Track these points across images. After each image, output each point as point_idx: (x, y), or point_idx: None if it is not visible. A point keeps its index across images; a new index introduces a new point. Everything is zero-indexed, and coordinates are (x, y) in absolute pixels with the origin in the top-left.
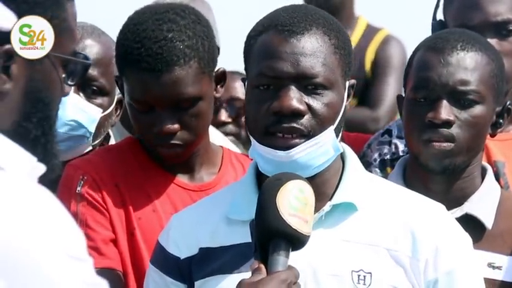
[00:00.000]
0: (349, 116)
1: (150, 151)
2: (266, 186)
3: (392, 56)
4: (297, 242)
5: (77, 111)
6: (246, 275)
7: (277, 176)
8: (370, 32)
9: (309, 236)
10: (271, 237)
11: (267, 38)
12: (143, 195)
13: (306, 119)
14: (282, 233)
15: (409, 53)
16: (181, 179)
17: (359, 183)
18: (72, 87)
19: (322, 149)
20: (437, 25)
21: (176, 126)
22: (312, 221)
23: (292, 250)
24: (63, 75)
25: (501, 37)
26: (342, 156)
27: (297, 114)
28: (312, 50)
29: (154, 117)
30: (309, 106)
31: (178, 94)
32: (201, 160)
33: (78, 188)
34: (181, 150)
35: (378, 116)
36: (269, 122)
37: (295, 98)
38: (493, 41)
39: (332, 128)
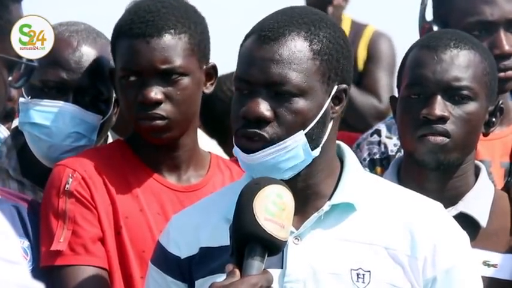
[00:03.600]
0: (355, 99)
1: (139, 152)
2: (244, 190)
3: (383, 51)
4: (272, 247)
5: (77, 123)
6: None
7: (256, 180)
8: (357, 29)
9: (285, 242)
10: (247, 241)
11: (248, 43)
12: (131, 194)
13: (271, 126)
14: (257, 238)
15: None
16: (169, 179)
17: (358, 183)
18: (71, 97)
19: (290, 153)
20: (439, 23)
21: (160, 96)
22: (289, 227)
23: (268, 255)
24: (9, 78)
25: None
26: (341, 156)
27: (262, 121)
28: (283, 56)
29: (140, 88)
30: (276, 113)
31: (166, 61)
32: (189, 161)
33: (67, 186)
34: (162, 123)
35: (383, 110)
36: (239, 125)
37: (261, 105)
38: (508, 36)
39: (302, 132)
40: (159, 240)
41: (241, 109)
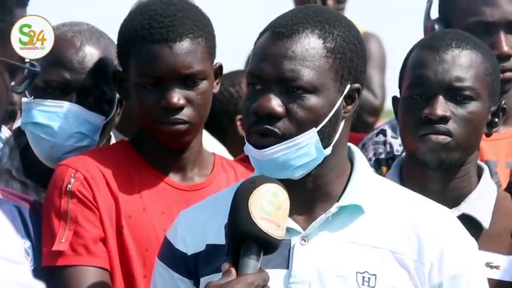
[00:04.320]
0: None
1: (143, 152)
2: (240, 188)
3: (373, 50)
4: (268, 245)
5: (80, 123)
6: None
7: (251, 179)
8: None
9: (281, 240)
10: (243, 240)
11: (261, 39)
12: (134, 194)
13: (282, 122)
14: (252, 236)
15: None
16: (173, 178)
17: (367, 185)
18: (75, 97)
19: (302, 150)
20: (441, 23)
21: (183, 101)
22: (285, 226)
23: (264, 254)
24: (12, 84)
25: None
26: (351, 158)
27: (274, 117)
28: (296, 52)
29: (161, 93)
30: (288, 109)
31: (188, 66)
32: (193, 161)
33: (69, 186)
34: (184, 128)
35: (378, 106)
36: (250, 121)
37: (273, 100)
38: (508, 38)
39: (315, 130)
40: (167, 236)
41: (253, 105)
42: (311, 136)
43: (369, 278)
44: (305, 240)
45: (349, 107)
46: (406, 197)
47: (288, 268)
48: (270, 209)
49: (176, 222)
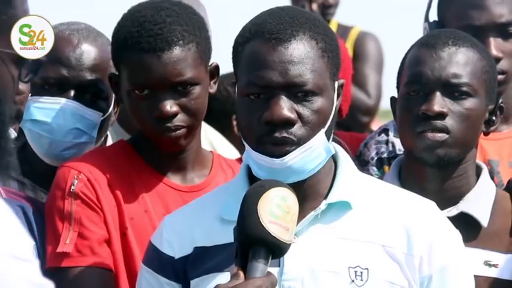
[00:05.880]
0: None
1: (142, 153)
2: (249, 192)
3: (369, 49)
4: (276, 249)
5: (78, 119)
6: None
7: (261, 183)
8: (344, 31)
9: (289, 244)
10: (252, 243)
11: (255, 47)
12: (135, 195)
13: (297, 128)
14: (261, 240)
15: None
16: (173, 180)
17: (352, 182)
18: (72, 94)
19: (314, 153)
20: (434, 26)
21: (175, 108)
22: (294, 230)
23: (272, 258)
24: (18, 73)
25: (504, 38)
26: (334, 156)
27: (288, 123)
28: (299, 57)
29: (153, 102)
30: (299, 114)
31: (178, 74)
32: (192, 161)
33: (73, 187)
34: (180, 133)
35: (372, 106)
36: (262, 131)
37: (285, 107)
38: (497, 41)
39: (323, 131)
40: (151, 241)
41: (264, 114)
42: (321, 138)
43: (361, 272)
44: (295, 238)
45: (337, 103)
46: (392, 192)
47: (279, 266)
48: (279, 213)
49: (162, 226)
